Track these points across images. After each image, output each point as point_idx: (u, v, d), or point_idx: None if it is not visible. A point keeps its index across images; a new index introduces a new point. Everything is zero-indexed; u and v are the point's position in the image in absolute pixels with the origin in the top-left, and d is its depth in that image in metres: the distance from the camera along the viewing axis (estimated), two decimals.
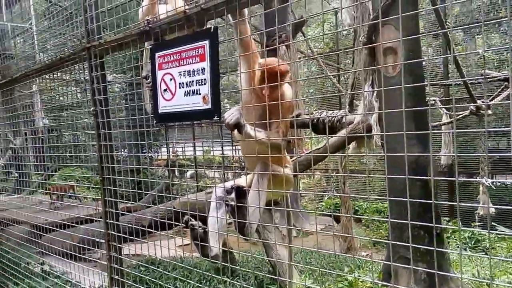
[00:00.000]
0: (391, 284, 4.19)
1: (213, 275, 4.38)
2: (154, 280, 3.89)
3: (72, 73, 3.21)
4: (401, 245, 3.96)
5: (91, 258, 3.85)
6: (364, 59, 4.51)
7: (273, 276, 4.51)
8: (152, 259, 4.91)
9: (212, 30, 1.89)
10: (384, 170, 6.45)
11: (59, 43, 3.02)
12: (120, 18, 2.43)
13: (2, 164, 7.01)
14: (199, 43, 1.94)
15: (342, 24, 8.45)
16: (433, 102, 7.08)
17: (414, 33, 4.24)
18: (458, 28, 8.24)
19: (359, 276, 4.35)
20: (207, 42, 1.91)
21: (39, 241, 4.27)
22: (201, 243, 2.06)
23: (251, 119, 1.94)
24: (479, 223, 6.62)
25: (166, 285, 4.11)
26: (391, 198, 2.43)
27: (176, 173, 11.08)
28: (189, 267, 4.92)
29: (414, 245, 2.04)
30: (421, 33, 6.41)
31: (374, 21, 4.19)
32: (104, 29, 2.53)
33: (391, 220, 1.90)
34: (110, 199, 2.64)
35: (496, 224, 6.78)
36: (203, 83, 1.95)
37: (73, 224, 4.30)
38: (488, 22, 7.45)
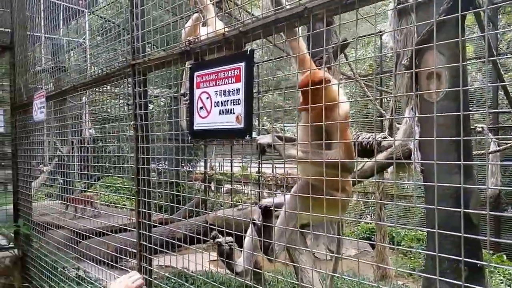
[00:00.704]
0: None
1: None
2: None
3: (119, 87, 3.41)
4: (437, 277, 3.82)
5: (124, 268, 3.98)
6: (406, 83, 4.46)
7: None
8: (183, 273, 4.99)
9: (248, 53, 1.96)
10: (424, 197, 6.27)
11: (108, 58, 3.21)
12: (164, 37, 2.57)
13: (49, 171, 7.40)
14: (235, 64, 2.02)
15: (385, 47, 8.39)
16: (480, 129, 6.84)
17: (459, 58, 4.17)
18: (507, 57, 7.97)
19: None
20: (243, 64, 1.99)
21: (76, 247, 4.47)
22: (226, 260, 2.10)
23: (306, 139, 1.99)
24: None
25: None
26: (429, 230, 2.37)
27: (212, 188, 11.25)
28: (215, 284, 4.95)
29: (447, 279, 1.98)
30: (468, 59, 6.24)
31: (419, 46, 4.16)
32: (152, 45, 2.67)
33: (425, 252, 1.86)
34: (143, 210, 2.75)
35: None
36: (237, 103, 2.02)
37: (108, 233, 4.46)
38: None
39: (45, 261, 4.49)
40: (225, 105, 2.10)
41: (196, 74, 2.27)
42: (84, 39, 8.02)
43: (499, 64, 4.70)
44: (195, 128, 2.29)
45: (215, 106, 2.16)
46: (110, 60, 3.17)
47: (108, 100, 4.26)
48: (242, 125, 2.00)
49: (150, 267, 2.78)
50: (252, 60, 1.97)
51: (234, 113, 2.04)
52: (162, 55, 2.50)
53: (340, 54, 6.97)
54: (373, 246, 7.00)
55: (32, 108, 4.19)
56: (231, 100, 2.06)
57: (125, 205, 9.23)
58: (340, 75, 8.01)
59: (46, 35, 5.12)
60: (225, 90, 2.09)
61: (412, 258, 6.95)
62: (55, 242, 4.71)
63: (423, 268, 5.49)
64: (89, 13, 8.70)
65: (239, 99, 2.02)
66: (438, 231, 1.51)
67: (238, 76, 2.02)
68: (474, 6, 4.55)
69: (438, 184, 1.61)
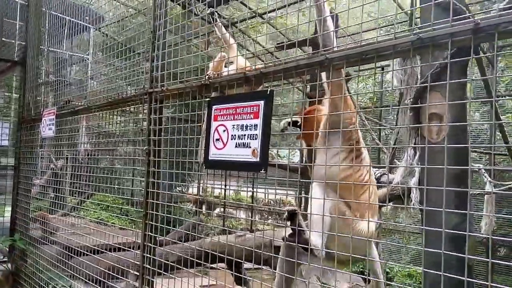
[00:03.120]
0: None
1: None
2: None
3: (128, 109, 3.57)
4: None
5: (116, 286, 4.06)
6: (409, 122, 4.69)
7: None
8: None
9: (268, 93, 2.15)
10: (420, 234, 6.43)
11: (126, 84, 3.39)
12: (183, 70, 2.76)
13: (41, 184, 7.47)
14: (255, 102, 2.20)
15: (386, 82, 8.68)
16: (476, 169, 7.07)
17: (460, 101, 4.41)
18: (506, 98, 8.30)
19: None
20: (262, 102, 2.17)
21: (68, 263, 4.53)
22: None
23: None
24: None
25: None
26: (426, 270, 2.53)
27: (204, 210, 11.32)
28: None
29: None
30: (469, 100, 6.52)
31: (422, 85, 4.40)
32: (171, 75, 2.86)
33: None
34: (150, 233, 2.88)
35: None
36: (254, 138, 2.20)
37: (103, 250, 4.53)
38: None
39: (38, 277, 4.55)
40: (242, 139, 2.27)
41: (214, 107, 2.45)
42: (87, 54, 8.22)
43: (497, 106, 4.95)
44: (210, 158, 2.45)
45: (231, 139, 2.33)
46: (125, 86, 3.34)
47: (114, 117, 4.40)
48: (258, 159, 2.17)
49: None
50: (272, 99, 2.16)
51: (250, 147, 2.21)
52: (181, 86, 2.69)
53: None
54: (365, 280, 7.11)
55: (39, 123, 4.33)
56: (248, 134, 2.24)
57: (114, 223, 9.28)
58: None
59: (59, 50, 5.30)
60: (243, 124, 2.27)
61: None
62: (49, 257, 4.78)
63: None
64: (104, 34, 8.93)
65: (256, 134, 2.19)
66: (444, 273, 1.67)
67: (256, 113, 2.20)
68: (477, 52, 4.84)
69: (444, 229, 1.78)
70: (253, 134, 2.21)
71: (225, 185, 8.90)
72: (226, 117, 2.37)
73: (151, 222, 2.89)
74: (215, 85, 2.47)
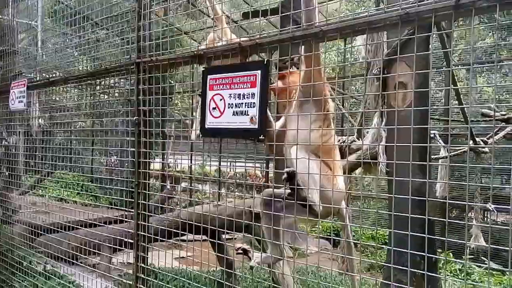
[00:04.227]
0: None
1: None
2: None
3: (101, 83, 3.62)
4: (398, 269, 4.39)
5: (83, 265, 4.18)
6: (375, 91, 5.00)
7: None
8: (151, 269, 5.20)
9: (265, 62, 2.32)
10: (388, 198, 6.85)
11: (110, 53, 3.41)
12: (168, 42, 2.86)
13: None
14: (252, 72, 2.37)
15: (352, 52, 8.99)
16: (432, 135, 7.63)
17: (424, 69, 4.76)
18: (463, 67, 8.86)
19: None
20: (259, 72, 2.34)
21: (35, 242, 4.58)
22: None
23: None
24: (470, 257, 7.10)
25: None
26: (394, 231, 2.85)
27: (168, 186, 11.37)
28: (185, 280, 5.22)
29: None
30: (431, 70, 6.93)
31: (389, 57, 4.71)
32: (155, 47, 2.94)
33: (393, 248, 2.30)
34: (143, 202, 3.03)
35: (485, 259, 7.25)
36: (252, 106, 2.37)
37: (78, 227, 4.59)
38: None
39: (10, 258, 4.57)
40: (239, 107, 2.44)
41: (209, 77, 2.59)
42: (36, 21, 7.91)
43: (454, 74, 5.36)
44: (207, 126, 2.61)
45: (228, 108, 2.49)
46: (110, 56, 3.37)
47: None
48: (256, 126, 2.35)
49: (146, 256, 3.05)
50: (268, 69, 2.33)
51: (248, 115, 2.39)
52: (172, 56, 2.79)
53: None
54: (333, 245, 7.59)
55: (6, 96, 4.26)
56: (246, 103, 2.41)
57: (76, 201, 9.20)
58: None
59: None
60: (240, 93, 2.43)
61: (369, 256, 7.62)
62: (17, 236, 4.80)
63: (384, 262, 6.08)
64: None
65: (254, 102, 2.37)
66: (411, 233, 1.95)
67: (253, 82, 2.37)
68: (438, 28, 5.18)
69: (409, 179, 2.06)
70: (251, 102, 2.38)
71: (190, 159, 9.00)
72: (223, 87, 2.52)
73: (143, 191, 3.02)
74: (209, 56, 2.60)
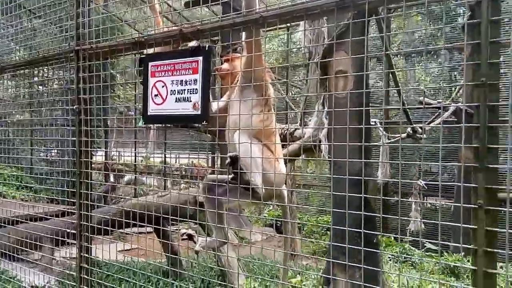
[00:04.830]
0: None
1: (159, 277, 4.74)
2: (99, 281, 4.18)
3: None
4: (340, 252, 4.64)
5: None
6: (317, 79, 5.18)
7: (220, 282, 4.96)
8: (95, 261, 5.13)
9: (207, 48, 2.38)
10: (330, 185, 7.15)
11: (46, 42, 3.32)
12: (108, 29, 2.84)
13: None
14: (194, 58, 2.42)
15: (293, 42, 9.20)
16: (373, 123, 8.02)
17: (362, 58, 4.99)
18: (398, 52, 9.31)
19: (302, 281, 4.93)
20: (201, 58, 2.40)
21: None
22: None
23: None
24: (410, 239, 7.54)
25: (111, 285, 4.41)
26: (334, 210, 3.02)
27: (111, 178, 11.16)
28: (131, 269, 5.20)
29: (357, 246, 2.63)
30: (368, 55, 7.28)
31: (329, 42, 4.88)
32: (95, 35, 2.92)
33: (333, 227, 2.46)
34: (85, 191, 3.01)
35: (424, 241, 7.72)
36: (194, 92, 2.43)
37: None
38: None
39: None
40: (182, 94, 2.49)
41: (151, 64, 2.61)
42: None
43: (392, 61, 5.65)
44: (149, 113, 2.63)
45: (171, 94, 2.53)
46: (46, 44, 3.29)
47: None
48: (199, 112, 2.41)
49: (90, 246, 3.04)
50: (210, 55, 2.40)
51: (191, 101, 2.45)
52: (112, 43, 2.78)
53: None
54: (278, 232, 7.81)
55: None
56: (188, 89, 2.46)
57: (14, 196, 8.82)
58: None
59: None
60: (183, 80, 2.48)
61: (314, 242, 7.89)
62: None
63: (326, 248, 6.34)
64: None
65: (196, 89, 2.43)
66: (349, 211, 2.10)
67: (195, 68, 2.43)
68: (376, 14, 5.44)
69: (346, 161, 2.22)
70: (193, 89, 2.44)
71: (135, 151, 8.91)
72: (164, 73, 2.56)
73: (86, 181, 3.00)
74: (150, 42, 2.62)
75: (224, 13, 3.00)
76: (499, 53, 1.72)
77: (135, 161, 10.29)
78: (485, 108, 1.68)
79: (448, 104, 7.29)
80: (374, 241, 5.06)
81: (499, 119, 1.71)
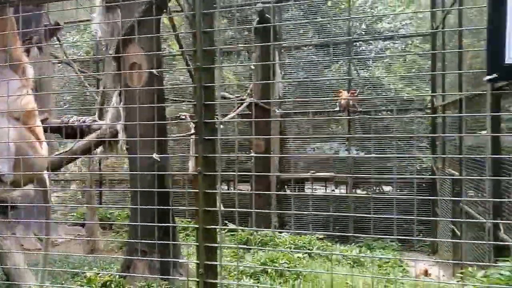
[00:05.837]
0: (129, 274, 5.01)
1: None
2: None
3: None
4: (138, 241, 4.86)
5: None
6: (113, 70, 5.27)
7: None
8: None
9: None
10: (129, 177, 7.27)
11: None
12: None
13: None
14: None
15: (95, 35, 9.06)
16: (183, 117, 8.49)
17: (155, 51, 5.27)
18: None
19: (98, 272, 4.96)
20: None
21: None
22: None
23: None
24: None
25: None
26: (135, 206, 3.21)
27: None
28: None
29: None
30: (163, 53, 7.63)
31: (124, 37, 5.03)
32: None
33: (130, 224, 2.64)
34: None
35: (227, 222, 8.18)
36: None
37: None
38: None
39: None
40: None
41: None
42: None
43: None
44: None
45: None
46: None
47: None
48: None
49: None
50: None
51: None
52: None
53: (52, 38, 7.24)
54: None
55: None
56: None
57: None
58: (53, 58, 8.20)
59: None
60: None
61: (123, 235, 7.88)
62: None
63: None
64: None
65: None
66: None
67: None
68: (167, 9, 5.76)
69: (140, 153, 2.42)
70: None
71: None
72: None
73: None
74: None
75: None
76: (213, 41, 2.06)
77: None
78: (201, 88, 2.02)
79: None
80: (172, 231, 5.37)
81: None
